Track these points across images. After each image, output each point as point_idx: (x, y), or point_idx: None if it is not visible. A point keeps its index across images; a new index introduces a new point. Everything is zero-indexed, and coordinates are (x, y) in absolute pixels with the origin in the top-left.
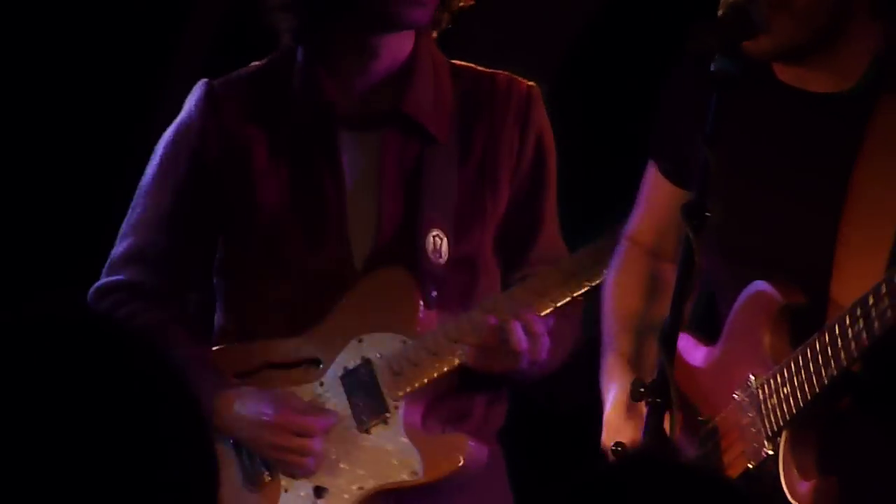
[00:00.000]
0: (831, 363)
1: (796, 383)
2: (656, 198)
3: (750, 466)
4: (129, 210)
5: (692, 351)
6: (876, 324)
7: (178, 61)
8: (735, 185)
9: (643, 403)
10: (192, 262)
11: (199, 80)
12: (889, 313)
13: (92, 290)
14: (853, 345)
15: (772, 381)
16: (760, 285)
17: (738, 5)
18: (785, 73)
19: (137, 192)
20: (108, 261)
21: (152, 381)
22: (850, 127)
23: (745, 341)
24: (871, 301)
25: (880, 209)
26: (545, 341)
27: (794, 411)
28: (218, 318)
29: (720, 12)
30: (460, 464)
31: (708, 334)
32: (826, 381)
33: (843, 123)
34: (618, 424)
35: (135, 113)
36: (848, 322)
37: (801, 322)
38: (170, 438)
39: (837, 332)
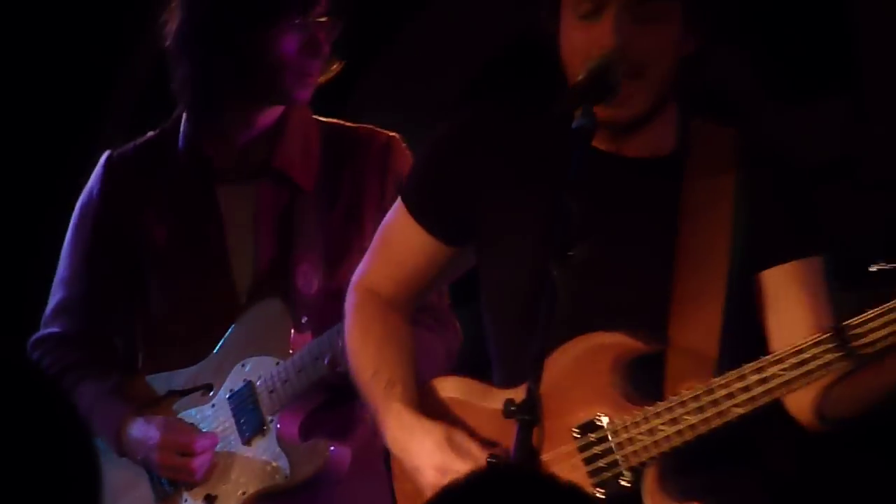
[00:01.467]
0: (719, 417)
1: (682, 425)
2: (404, 248)
3: (600, 495)
4: (57, 270)
5: (486, 392)
6: (760, 394)
7: (107, 123)
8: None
9: (457, 438)
10: (108, 310)
11: (123, 138)
12: (765, 391)
13: (30, 341)
14: (755, 401)
15: (641, 423)
16: (603, 335)
17: (596, 71)
18: (600, 141)
19: (61, 254)
20: (44, 315)
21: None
22: (670, 188)
23: (584, 383)
24: (750, 373)
25: (709, 260)
26: None
27: (668, 450)
28: (138, 359)
29: (580, 76)
30: (321, 465)
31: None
32: (718, 425)
33: (663, 185)
34: (448, 461)
35: (69, 166)
36: (733, 385)
37: (641, 367)
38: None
39: (737, 386)
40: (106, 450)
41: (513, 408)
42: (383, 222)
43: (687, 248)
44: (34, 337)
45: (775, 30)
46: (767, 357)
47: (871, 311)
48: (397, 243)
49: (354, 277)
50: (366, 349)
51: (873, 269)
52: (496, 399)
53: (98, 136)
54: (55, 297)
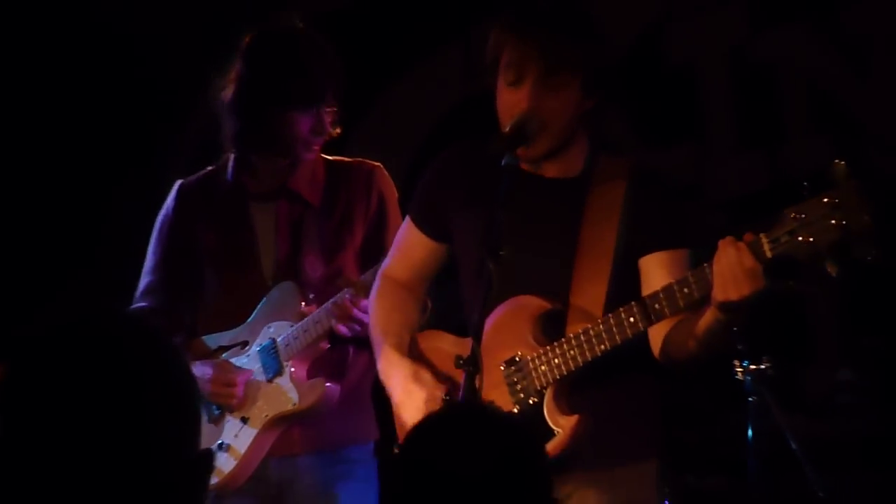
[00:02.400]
0: (595, 349)
1: (569, 355)
2: (410, 247)
3: (515, 410)
4: (144, 263)
5: (454, 341)
6: (627, 331)
7: (174, 160)
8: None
9: (422, 374)
10: (177, 291)
11: (185, 171)
12: (632, 326)
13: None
14: (610, 341)
15: (542, 357)
16: (524, 298)
17: (518, 124)
18: (526, 166)
19: (147, 252)
20: (135, 295)
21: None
22: (577, 200)
23: (512, 332)
24: (623, 315)
25: (599, 251)
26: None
27: (560, 375)
28: (197, 323)
29: (507, 129)
30: (317, 396)
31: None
32: (589, 359)
33: (572, 198)
34: (411, 388)
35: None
36: (606, 326)
37: (550, 319)
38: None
39: (611, 323)
40: None
41: (461, 361)
42: (399, 231)
43: (586, 242)
44: (127, 310)
45: (644, 95)
46: (627, 305)
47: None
48: (406, 243)
49: (381, 268)
50: (378, 315)
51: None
52: (458, 345)
53: (168, 170)
54: (142, 282)
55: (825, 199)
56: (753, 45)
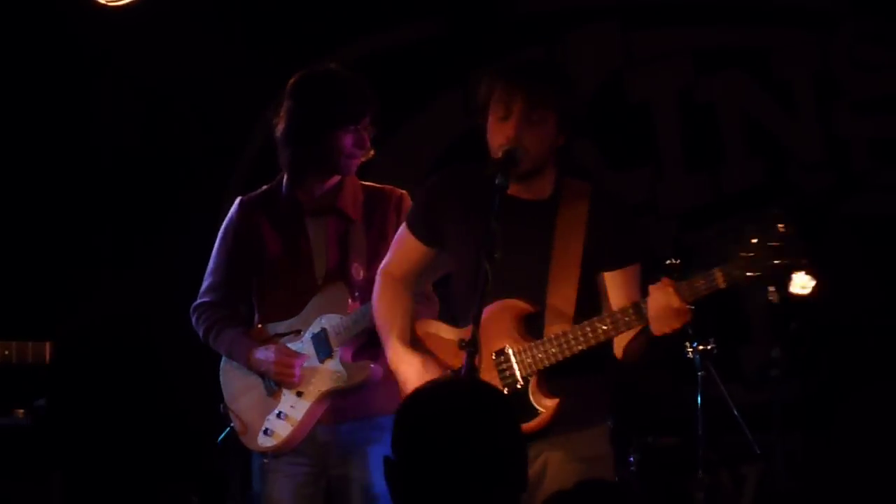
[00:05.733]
0: (574, 347)
1: (549, 352)
2: (406, 249)
3: (505, 392)
4: (208, 265)
5: (446, 328)
6: (600, 334)
7: (236, 177)
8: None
9: (429, 364)
10: (237, 289)
11: (244, 189)
12: (594, 336)
13: (191, 307)
14: (588, 341)
15: (527, 351)
16: (510, 300)
17: (508, 152)
18: (511, 190)
19: (211, 255)
20: (200, 291)
21: None
22: (549, 219)
23: (499, 327)
24: (597, 323)
25: (569, 261)
26: None
27: (542, 367)
28: (255, 316)
29: (499, 155)
30: (364, 375)
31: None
32: (569, 355)
33: (544, 217)
34: (421, 371)
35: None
36: (581, 332)
37: (530, 319)
38: None
39: (579, 333)
40: (233, 367)
41: (464, 344)
42: (396, 237)
43: (557, 253)
44: (194, 304)
45: (609, 128)
46: (596, 318)
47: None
48: (403, 247)
49: (381, 267)
50: (381, 309)
51: (667, 262)
52: (454, 334)
53: (230, 188)
54: (206, 281)
55: (769, 243)
56: (697, 88)
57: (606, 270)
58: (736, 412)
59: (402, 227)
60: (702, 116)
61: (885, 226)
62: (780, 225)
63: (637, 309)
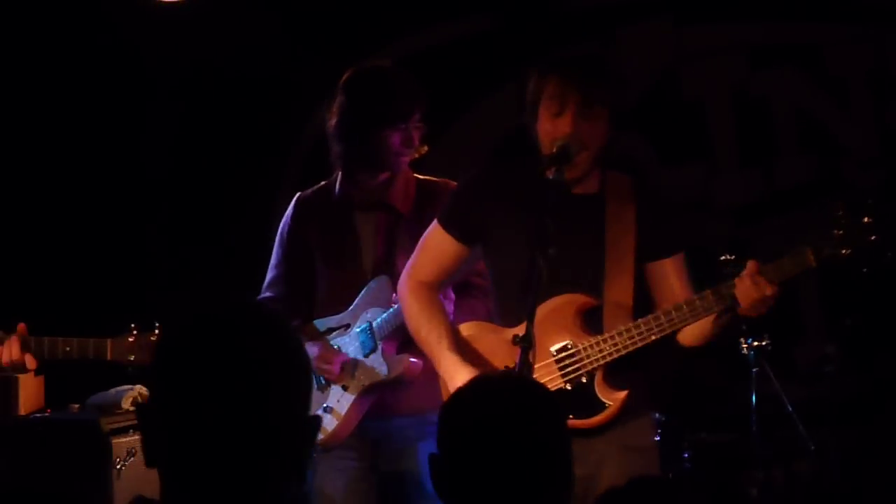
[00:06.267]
0: (649, 337)
1: (619, 344)
2: (440, 251)
3: (568, 387)
4: (270, 261)
5: (493, 328)
6: (676, 322)
7: (288, 175)
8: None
9: (480, 368)
10: (295, 284)
11: (298, 186)
12: (670, 324)
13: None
14: (664, 330)
15: (596, 344)
16: (571, 295)
17: (562, 147)
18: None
19: (273, 251)
20: (263, 286)
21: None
22: (599, 212)
23: (559, 323)
24: (673, 311)
25: (622, 254)
26: (448, 309)
27: (612, 359)
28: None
29: (553, 150)
30: (402, 368)
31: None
32: (641, 345)
33: (594, 210)
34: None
35: (264, 201)
36: (650, 323)
37: (591, 313)
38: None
39: (653, 322)
40: None
41: (518, 339)
42: (422, 239)
43: (612, 247)
44: (257, 299)
45: (664, 124)
46: (670, 306)
47: (724, 284)
48: (434, 249)
49: (405, 273)
50: (421, 318)
51: (722, 258)
52: (501, 334)
53: (283, 185)
54: (268, 276)
55: (862, 220)
56: (752, 83)
57: (657, 260)
58: (790, 408)
59: (434, 229)
60: (756, 112)
61: None
62: (869, 201)
63: (717, 294)
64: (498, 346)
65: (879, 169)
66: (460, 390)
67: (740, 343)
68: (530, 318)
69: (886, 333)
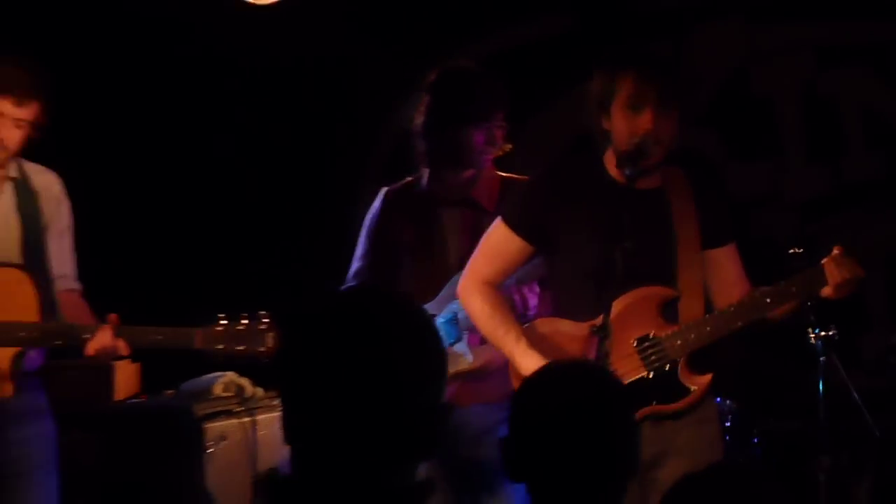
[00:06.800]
0: (734, 324)
1: (704, 332)
2: (508, 251)
3: (649, 375)
4: (355, 252)
5: (569, 324)
6: (763, 308)
7: (370, 172)
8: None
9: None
10: (380, 273)
11: (387, 182)
12: (767, 305)
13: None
14: (750, 317)
15: (679, 334)
16: (650, 288)
17: (640, 143)
18: (624, 180)
19: (358, 242)
20: (347, 276)
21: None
22: (665, 206)
23: (640, 315)
24: (758, 297)
25: (691, 244)
26: (533, 302)
27: (697, 347)
28: None
29: (629, 147)
30: (487, 358)
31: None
32: (726, 333)
33: (661, 204)
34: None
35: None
36: (746, 305)
37: (669, 304)
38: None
39: (735, 311)
40: None
41: (595, 329)
42: (485, 239)
43: (681, 238)
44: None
45: (735, 120)
46: (756, 292)
47: (812, 269)
48: (499, 249)
49: (467, 273)
50: (494, 319)
51: (791, 251)
52: (576, 327)
53: (371, 180)
54: (353, 266)
55: None
56: (820, 82)
57: (718, 247)
58: (857, 396)
59: (498, 229)
60: (824, 110)
61: None
62: None
63: (806, 279)
64: (574, 338)
65: None
66: (532, 375)
67: (808, 333)
68: (607, 311)
69: None
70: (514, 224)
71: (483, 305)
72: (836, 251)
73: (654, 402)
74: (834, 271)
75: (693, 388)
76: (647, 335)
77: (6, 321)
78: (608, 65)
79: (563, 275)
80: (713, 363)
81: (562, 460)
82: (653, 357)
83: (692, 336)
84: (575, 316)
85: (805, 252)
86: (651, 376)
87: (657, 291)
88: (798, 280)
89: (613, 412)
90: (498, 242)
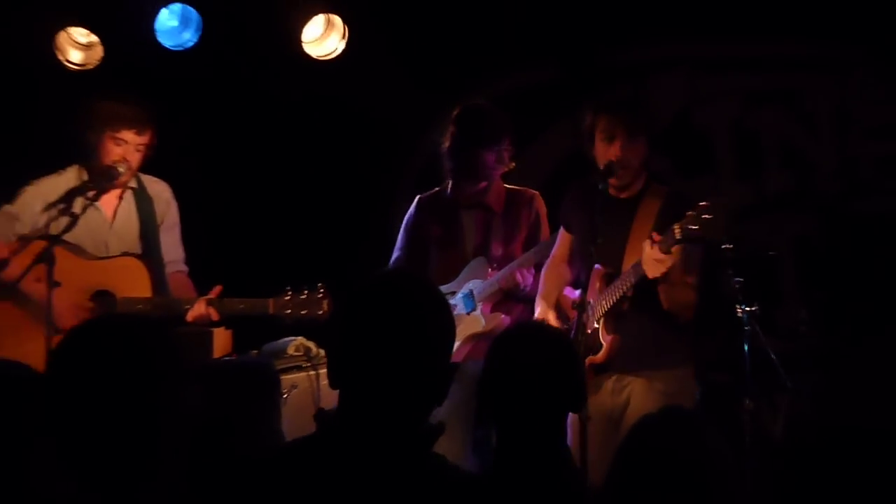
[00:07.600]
0: (616, 294)
1: (604, 302)
2: (564, 241)
3: (589, 332)
4: (395, 246)
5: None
6: (619, 285)
7: (406, 183)
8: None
9: (549, 314)
10: (416, 264)
11: (419, 190)
12: (634, 279)
13: None
14: (627, 288)
15: (601, 301)
16: (598, 267)
17: (609, 164)
18: (612, 190)
19: (398, 239)
20: (389, 264)
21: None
22: (631, 209)
23: (593, 287)
24: (623, 278)
25: (641, 238)
26: (529, 280)
27: (605, 311)
28: None
29: (601, 166)
30: (496, 322)
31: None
32: (613, 301)
33: (629, 209)
34: (547, 312)
35: (385, 202)
36: (622, 280)
37: (610, 279)
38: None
39: (614, 285)
40: None
41: (575, 304)
42: (559, 235)
43: (634, 234)
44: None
45: (680, 147)
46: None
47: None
48: (561, 240)
49: (550, 258)
50: (545, 282)
51: (723, 246)
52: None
53: (407, 189)
54: (393, 256)
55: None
56: (746, 118)
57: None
58: (773, 356)
59: (561, 229)
60: (749, 139)
61: (887, 222)
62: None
63: (636, 266)
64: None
65: (839, 180)
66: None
67: (736, 309)
68: (584, 289)
69: (846, 301)
70: (565, 224)
71: (546, 271)
72: (646, 242)
73: (591, 354)
74: (644, 257)
75: (604, 343)
76: (589, 301)
77: (128, 296)
78: (590, 108)
79: (575, 258)
80: (634, 327)
81: (519, 392)
82: (592, 318)
83: (603, 302)
84: (580, 287)
85: (735, 247)
86: (589, 332)
87: (601, 269)
88: (632, 267)
89: (561, 361)
90: (561, 237)
